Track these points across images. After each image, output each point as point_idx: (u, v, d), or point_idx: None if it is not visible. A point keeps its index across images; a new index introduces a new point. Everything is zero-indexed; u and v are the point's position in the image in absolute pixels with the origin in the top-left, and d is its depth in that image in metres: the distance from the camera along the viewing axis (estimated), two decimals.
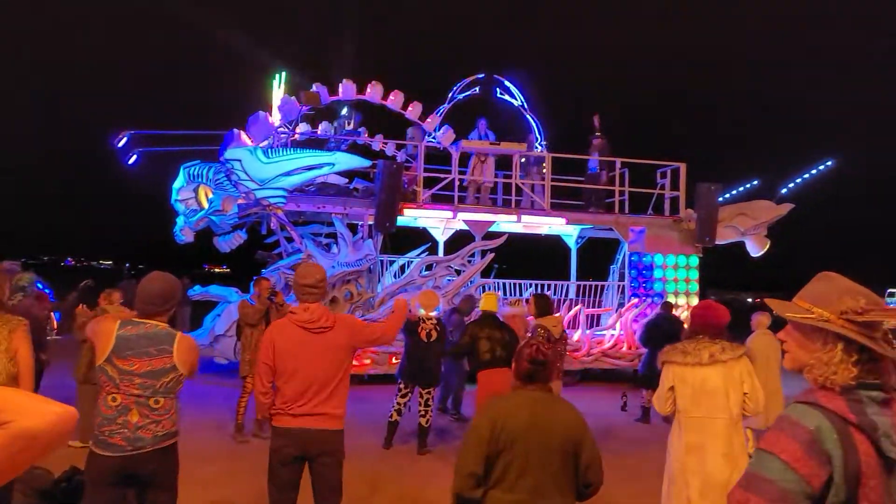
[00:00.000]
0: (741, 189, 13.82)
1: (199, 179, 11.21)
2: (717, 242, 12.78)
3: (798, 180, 13.86)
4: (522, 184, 12.68)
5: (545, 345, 3.07)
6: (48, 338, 8.31)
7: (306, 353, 3.66)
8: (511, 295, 12.68)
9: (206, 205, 11.22)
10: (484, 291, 11.74)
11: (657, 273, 12.81)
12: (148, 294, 3.37)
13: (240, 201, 11.09)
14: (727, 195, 13.52)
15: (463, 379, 9.13)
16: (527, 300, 9.17)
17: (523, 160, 12.81)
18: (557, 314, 7.38)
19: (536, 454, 2.82)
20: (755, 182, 13.96)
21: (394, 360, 10.70)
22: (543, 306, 6.80)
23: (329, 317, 3.75)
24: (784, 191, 13.69)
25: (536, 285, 12.99)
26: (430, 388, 7.34)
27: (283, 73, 12.60)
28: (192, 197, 11.30)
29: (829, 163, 14.18)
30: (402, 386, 7.39)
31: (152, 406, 3.27)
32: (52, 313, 8.66)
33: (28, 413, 1.14)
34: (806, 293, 1.81)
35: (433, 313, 7.38)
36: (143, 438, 3.25)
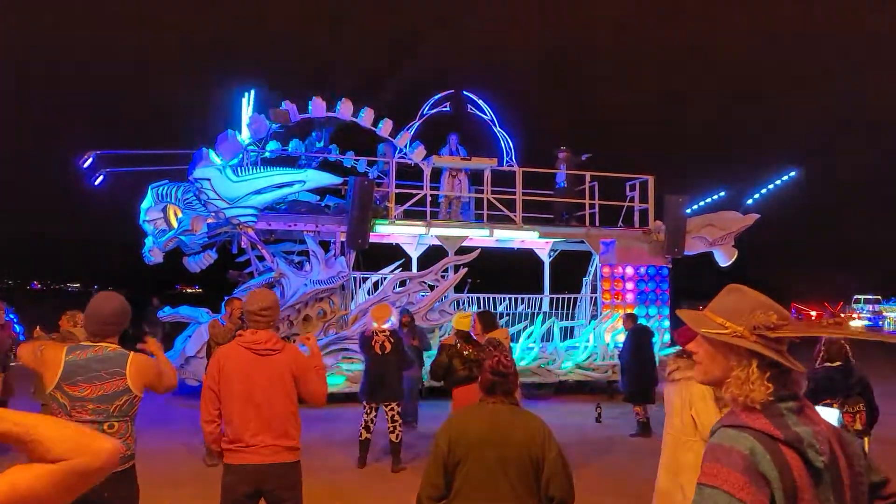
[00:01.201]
0: (708, 200, 14.05)
1: (168, 199, 11.09)
2: (686, 253, 12.95)
3: (763, 191, 14.13)
4: (495, 198, 12.75)
5: (507, 357, 3.08)
6: (11, 364, 8.13)
7: (253, 376, 3.48)
8: (485, 309, 12.69)
9: (175, 224, 11.10)
10: (458, 308, 11.80)
11: (628, 284, 12.94)
12: (99, 315, 3.28)
13: (209, 220, 10.99)
14: (695, 206, 13.74)
15: (415, 392, 9.24)
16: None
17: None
18: (503, 328, 7.41)
19: (493, 466, 2.81)
20: (722, 193, 14.21)
21: None
22: (489, 322, 6.88)
23: (277, 341, 3.60)
24: (750, 201, 13.95)
25: (510, 299, 13.03)
26: (392, 402, 7.28)
27: (253, 91, 12.55)
28: (161, 217, 11.17)
29: (792, 173, 14.49)
30: (365, 404, 7.36)
31: (106, 431, 3.15)
32: (17, 340, 8.47)
33: (85, 451, 1.18)
34: (718, 307, 1.79)
35: (385, 325, 7.35)
36: None
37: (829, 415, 4.95)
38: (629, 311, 11.47)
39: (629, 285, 12.95)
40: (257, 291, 3.80)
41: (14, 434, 1.14)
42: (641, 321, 11.16)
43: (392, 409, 7.27)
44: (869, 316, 37.99)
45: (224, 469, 3.57)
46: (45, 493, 1.14)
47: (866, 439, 5.29)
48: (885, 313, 38.53)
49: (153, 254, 11.32)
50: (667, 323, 13.07)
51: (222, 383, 3.50)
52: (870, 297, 40.80)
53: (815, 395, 5.00)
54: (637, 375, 9.42)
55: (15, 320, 9.55)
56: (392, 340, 7.31)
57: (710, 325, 1.76)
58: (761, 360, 1.67)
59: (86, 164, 11.54)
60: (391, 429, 7.28)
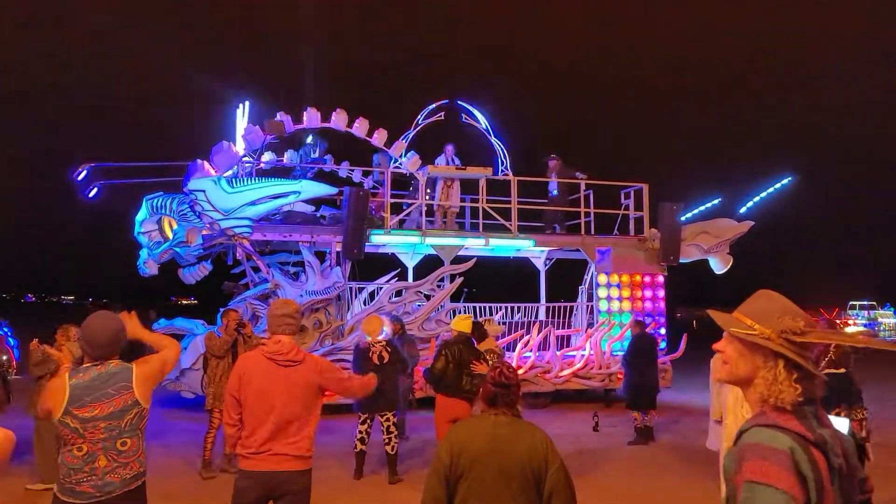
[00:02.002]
0: (703, 208, 14.08)
1: (163, 211, 11.07)
2: (681, 261, 12.96)
3: (757, 198, 14.16)
4: (490, 208, 12.75)
5: (509, 368, 3.07)
6: (9, 378, 8.09)
7: (273, 386, 3.62)
8: (482, 318, 12.67)
9: (170, 236, 11.07)
10: (455, 315, 11.77)
11: (625, 292, 12.94)
12: (96, 340, 3.28)
13: (204, 232, 10.97)
14: (689, 214, 13.76)
15: (404, 404, 9.23)
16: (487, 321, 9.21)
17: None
18: (490, 338, 7.43)
19: (495, 479, 2.79)
20: (716, 201, 14.24)
21: None
22: (479, 332, 6.95)
23: (299, 352, 3.73)
24: (744, 209, 13.98)
25: (506, 308, 13.02)
26: (387, 413, 7.24)
27: (247, 103, 12.57)
28: (156, 229, 11.14)
29: (787, 180, 14.52)
30: (360, 415, 7.33)
31: (119, 448, 3.17)
32: (11, 353, 8.43)
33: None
34: (747, 309, 1.87)
35: (380, 337, 7.34)
36: (112, 483, 3.15)
37: (840, 424, 4.95)
38: (639, 318, 11.46)
39: (625, 293, 12.95)
40: (282, 299, 4.18)
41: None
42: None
43: (388, 420, 7.24)
44: (864, 322, 38.07)
45: (238, 473, 3.71)
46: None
47: (868, 446, 5.29)
48: (880, 319, 38.62)
49: (148, 266, 11.29)
50: (663, 330, 13.07)
51: (241, 391, 3.66)
52: (865, 303, 40.91)
53: (827, 402, 4.99)
54: (638, 382, 9.43)
55: (9, 333, 9.51)
56: (389, 349, 7.30)
57: (740, 325, 1.85)
58: (786, 362, 1.76)
59: (80, 177, 11.52)
60: (387, 440, 7.24)
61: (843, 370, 5.17)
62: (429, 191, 12.69)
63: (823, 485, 1.65)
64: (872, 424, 5.28)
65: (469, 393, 6.37)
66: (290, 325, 3.78)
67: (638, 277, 13.02)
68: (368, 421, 7.33)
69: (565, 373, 12.16)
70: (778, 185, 14.29)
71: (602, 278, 12.93)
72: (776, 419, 1.72)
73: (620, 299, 12.89)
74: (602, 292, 12.89)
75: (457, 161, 12.76)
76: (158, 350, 3.53)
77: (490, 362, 6.60)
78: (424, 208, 12.48)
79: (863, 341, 1.81)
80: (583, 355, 12.41)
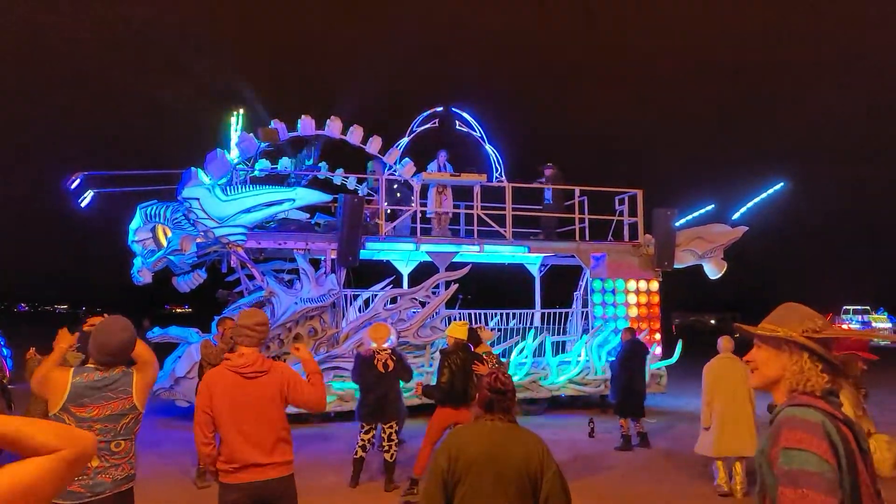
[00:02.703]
0: (697, 214, 14.11)
1: (157, 219, 11.04)
2: (675, 266, 12.99)
3: (751, 203, 14.20)
4: (484, 214, 12.77)
5: (505, 374, 3.08)
6: (8, 386, 8.04)
7: (244, 399, 3.59)
8: (477, 324, 12.67)
9: (164, 244, 11.05)
10: (450, 322, 11.76)
11: (619, 298, 12.96)
12: (109, 347, 3.31)
13: (199, 240, 10.95)
14: (684, 220, 13.80)
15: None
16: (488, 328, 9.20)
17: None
18: (485, 343, 7.43)
19: (492, 484, 2.81)
20: (710, 206, 14.27)
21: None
22: (474, 338, 6.95)
23: (264, 362, 3.69)
24: (738, 214, 14.01)
25: (501, 314, 13.02)
26: (391, 421, 7.21)
27: (242, 110, 12.57)
28: (150, 237, 11.11)
29: (780, 185, 14.57)
30: (363, 424, 7.27)
31: (113, 450, 3.23)
32: (4, 363, 8.38)
33: (72, 441, 1.31)
34: (771, 318, 2.06)
35: (385, 345, 7.30)
36: (103, 483, 3.20)
37: None
38: (628, 325, 11.47)
39: (620, 299, 12.96)
40: (249, 309, 3.96)
41: (5, 434, 1.25)
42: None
43: (391, 428, 7.21)
44: (859, 327, 38.19)
45: (220, 488, 3.65)
46: (42, 483, 1.26)
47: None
48: (874, 323, 38.74)
49: (142, 274, 11.25)
50: (658, 336, 13.09)
51: (214, 408, 3.59)
52: (859, 307, 41.03)
53: None
54: (625, 388, 9.42)
55: (2, 343, 9.45)
56: (394, 358, 7.26)
57: (764, 330, 2.04)
58: (811, 354, 1.94)
59: (73, 186, 11.49)
60: (386, 448, 7.21)
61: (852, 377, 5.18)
62: (422, 200, 12.70)
63: (855, 459, 1.80)
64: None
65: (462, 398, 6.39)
66: (251, 337, 3.68)
67: (633, 283, 13.04)
68: (371, 431, 7.29)
69: (562, 379, 12.16)
70: (771, 191, 14.34)
71: (597, 284, 12.95)
72: (807, 400, 1.89)
73: (615, 305, 12.91)
74: (597, 298, 12.91)
75: (449, 167, 12.78)
76: (141, 358, 3.50)
77: (489, 363, 6.61)
78: (419, 215, 12.49)
79: (881, 335, 1.97)
80: (578, 361, 12.42)
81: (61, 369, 3.34)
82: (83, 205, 11.64)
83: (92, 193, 11.65)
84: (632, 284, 13.03)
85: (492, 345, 11.38)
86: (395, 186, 12.77)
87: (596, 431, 10.18)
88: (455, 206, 13.11)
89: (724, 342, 7.38)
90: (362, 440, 7.26)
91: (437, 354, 8.16)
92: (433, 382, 7.16)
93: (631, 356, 9.57)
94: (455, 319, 12.32)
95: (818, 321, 1.97)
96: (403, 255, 13.38)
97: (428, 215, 12.71)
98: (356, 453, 7.30)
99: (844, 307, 41.25)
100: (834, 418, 1.84)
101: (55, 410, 3.19)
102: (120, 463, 3.24)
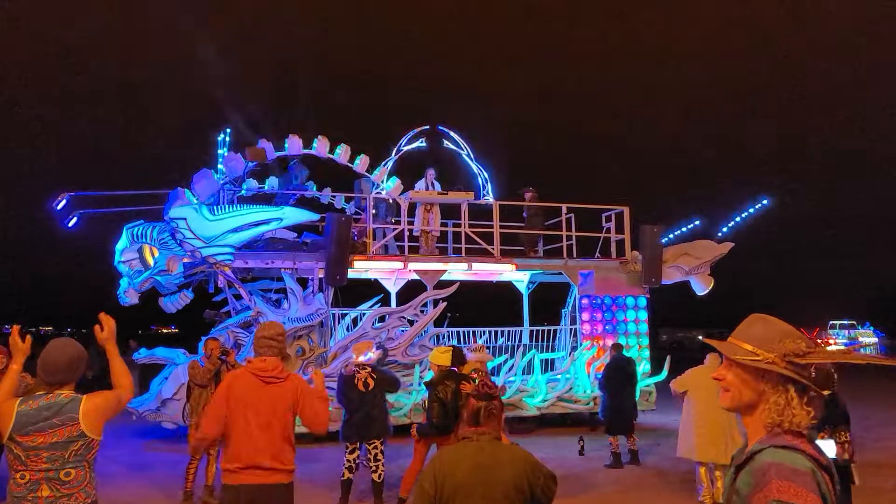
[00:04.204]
0: (684, 230, 14.21)
1: (143, 239, 10.98)
2: (663, 282, 13.04)
3: (736, 219, 14.32)
4: (472, 232, 12.80)
5: (489, 379, 3.07)
6: None
7: (257, 401, 3.74)
8: (465, 343, 12.66)
9: (151, 264, 10.98)
10: (437, 343, 11.73)
11: (607, 315, 12.99)
12: (52, 365, 3.26)
13: (185, 260, 10.90)
14: (671, 236, 13.89)
15: None
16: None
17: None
18: (471, 361, 7.40)
19: None
20: (696, 222, 14.38)
21: None
22: (459, 357, 6.91)
23: (283, 370, 3.87)
24: (724, 230, 14.12)
25: (490, 332, 13.01)
26: (376, 440, 7.13)
27: (229, 130, 12.58)
28: (136, 258, 11.04)
29: (764, 201, 14.71)
30: (347, 444, 7.20)
31: (62, 479, 3.14)
32: None
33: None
34: (746, 335, 1.86)
35: (362, 358, 7.25)
36: None
37: (827, 447, 4.98)
38: (617, 341, 11.49)
39: (608, 316, 12.99)
40: (267, 322, 4.11)
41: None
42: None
43: (376, 448, 7.14)
44: (845, 342, 38.43)
45: (223, 489, 3.81)
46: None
47: (853, 468, 5.30)
48: (860, 338, 39.01)
49: (128, 295, 11.16)
50: (646, 353, 13.11)
51: (230, 405, 3.75)
52: (845, 322, 41.32)
53: (821, 423, 5.01)
54: (613, 406, 9.40)
55: None
56: (374, 376, 7.21)
57: (741, 352, 1.83)
58: (796, 386, 1.76)
59: (59, 206, 11.42)
60: (373, 468, 7.14)
61: (827, 392, 5.20)
62: (409, 218, 12.71)
63: None
64: (855, 445, 5.30)
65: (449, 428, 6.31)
66: (272, 347, 3.88)
67: (621, 300, 13.08)
68: (356, 451, 7.22)
69: (550, 396, 12.13)
70: (756, 207, 14.47)
71: (585, 301, 12.98)
72: (792, 441, 1.72)
73: (604, 322, 12.94)
74: (585, 315, 12.93)
75: (437, 185, 12.81)
76: (116, 380, 3.48)
77: (476, 381, 6.56)
78: (407, 233, 12.50)
79: (863, 358, 1.81)
80: (567, 378, 12.41)
81: (10, 400, 3.26)
82: (69, 225, 11.56)
83: (78, 214, 11.57)
84: (619, 301, 13.07)
85: (492, 369, 11.36)
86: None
87: (586, 449, 10.15)
88: (443, 224, 13.13)
89: (712, 359, 7.44)
90: (348, 461, 7.18)
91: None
92: (423, 408, 7.09)
93: (619, 373, 9.55)
94: (443, 338, 12.33)
95: (801, 343, 1.77)
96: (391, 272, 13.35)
97: (415, 233, 12.71)
98: (343, 475, 7.23)
99: (831, 322, 41.55)
100: (819, 465, 1.70)
101: (4, 440, 3.15)
102: (73, 492, 3.15)
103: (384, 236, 12.67)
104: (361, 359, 7.24)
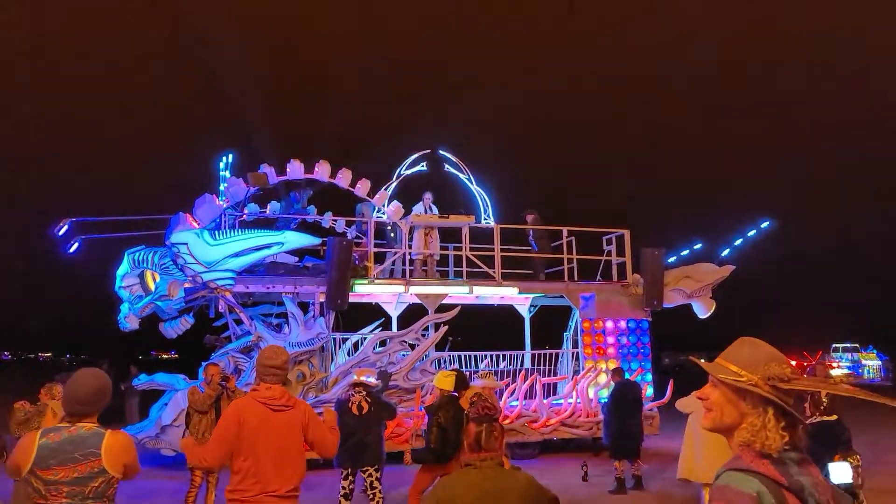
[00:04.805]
0: (685, 252, 14.20)
1: (144, 265, 10.98)
2: (664, 306, 13.01)
3: (737, 242, 14.32)
4: (473, 255, 12.79)
5: (489, 401, 3.03)
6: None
7: (268, 430, 3.72)
8: (467, 367, 12.59)
9: (152, 289, 10.96)
10: (440, 367, 11.67)
11: (609, 338, 12.92)
12: (78, 395, 3.21)
13: (186, 285, 10.88)
14: (672, 259, 13.87)
15: None
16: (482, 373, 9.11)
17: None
18: (473, 385, 7.34)
19: None
20: (698, 245, 14.38)
21: None
22: (462, 382, 6.85)
23: (290, 398, 3.87)
24: (725, 252, 14.11)
25: (491, 356, 12.94)
26: (370, 468, 7.01)
27: (230, 155, 12.64)
28: (137, 283, 11.03)
29: (766, 223, 14.72)
30: (342, 469, 7.09)
31: None
32: None
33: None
34: (733, 357, 1.89)
35: (364, 378, 7.20)
36: None
37: (841, 470, 4.92)
38: (613, 366, 11.43)
39: (610, 339, 12.93)
40: (273, 347, 4.06)
41: None
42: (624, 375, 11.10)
43: (371, 476, 7.04)
44: (848, 365, 38.20)
45: None
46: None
47: (860, 492, 5.25)
48: (863, 361, 38.76)
49: (129, 320, 11.13)
50: (649, 377, 13.03)
51: (240, 434, 3.71)
52: (848, 345, 41.07)
53: (825, 449, 4.95)
54: (618, 430, 9.32)
55: None
56: (369, 400, 7.11)
57: (726, 372, 1.86)
58: (776, 409, 1.78)
59: (60, 232, 11.43)
60: (371, 496, 7.04)
61: (835, 417, 5.17)
62: (409, 241, 12.72)
63: None
64: (862, 469, 5.24)
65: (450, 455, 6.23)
66: (279, 376, 3.89)
67: (623, 323, 13.03)
68: (351, 476, 7.12)
69: (552, 421, 12.03)
70: (758, 230, 14.48)
71: (587, 325, 12.93)
72: (750, 463, 1.74)
73: (605, 345, 12.87)
74: (587, 339, 12.87)
75: (434, 209, 12.83)
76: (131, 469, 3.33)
77: (474, 402, 6.48)
78: (409, 257, 12.49)
79: (847, 391, 1.81)
80: (570, 403, 12.31)
81: (31, 433, 3.22)
82: (71, 251, 11.56)
83: (79, 240, 11.58)
84: (622, 324, 13.02)
85: (500, 394, 11.26)
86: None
87: (590, 475, 10.04)
88: (443, 248, 13.13)
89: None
90: (344, 488, 7.08)
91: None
92: (423, 434, 7.00)
93: (621, 398, 9.49)
94: (445, 362, 12.26)
95: (786, 368, 1.80)
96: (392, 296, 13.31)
97: (413, 257, 12.67)
98: (339, 503, 7.14)
99: (834, 345, 41.30)
100: (777, 486, 1.70)
101: (24, 474, 3.09)
102: None
103: (385, 260, 12.64)
104: (363, 379, 7.19)
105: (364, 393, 7.09)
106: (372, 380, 7.37)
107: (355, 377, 7.23)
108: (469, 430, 2.96)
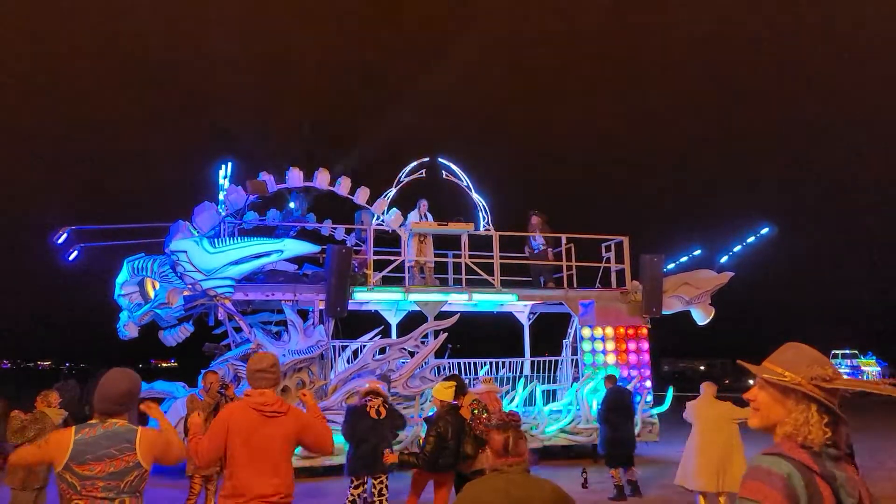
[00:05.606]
0: (684, 259, 14.21)
1: (144, 273, 10.99)
2: (663, 312, 13.01)
3: (737, 248, 14.33)
4: (472, 263, 12.80)
5: (497, 409, 3.02)
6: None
7: (260, 435, 3.70)
8: (467, 374, 12.58)
9: (151, 298, 10.97)
10: (439, 375, 11.65)
11: (609, 345, 12.92)
12: (111, 394, 3.27)
13: (186, 293, 10.88)
14: (671, 265, 13.88)
15: None
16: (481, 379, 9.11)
17: (424, 241, 12.89)
18: (471, 391, 7.30)
19: None
20: (697, 252, 14.39)
21: None
22: (463, 387, 6.79)
23: (283, 403, 3.83)
24: (723, 259, 14.12)
25: (491, 363, 12.94)
26: (381, 475, 7.02)
27: (230, 163, 12.66)
28: (136, 291, 11.04)
29: (765, 230, 14.73)
30: (353, 479, 7.07)
31: None
32: None
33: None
34: (777, 359, 2.00)
35: (379, 387, 7.26)
36: None
37: None
38: (610, 373, 11.43)
39: (609, 346, 12.92)
40: (261, 353, 4.04)
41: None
42: (623, 382, 11.10)
43: (381, 482, 7.03)
44: (848, 371, 38.17)
45: None
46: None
47: None
48: (863, 367, 38.74)
49: (128, 328, 11.14)
50: (648, 383, 13.02)
51: (230, 440, 3.70)
52: (847, 351, 41.03)
53: None
54: (611, 439, 9.32)
55: None
56: (386, 406, 7.14)
57: (771, 373, 1.97)
58: (819, 406, 1.88)
59: (60, 241, 11.44)
60: (378, 502, 7.04)
61: None
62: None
63: None
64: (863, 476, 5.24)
65: (471, 458, 6.15)
66: (268, 379, 3.85)
67: (622, 330, 13.03)
68: (362, 485, 7.10)
69: (552, 428, 12.01)
70: (757, 236, 14.49)
71: (586, 331, 12.93)
72: (786, 450, 1.84)
73: (605, 352, 12.87)
74: (586, 346, 12.87)
75: (429, 217, 12.85)
76: (174, 453, 3.48)
77: (476, 411, 6.40)
78: (408, 265, 12.50)
79: (888, 391, 1.87)
80: (569, 410, 12.30)
81: (63, 429, 3.27)
82: (70, 260, 11.57)
83: (79, 248, 11.59)
84: (621, 331, 13.02)
85: (503, 399, 11.21)
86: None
87: (589, 482, 10.02)
88: (443, 255, 13.14)
89: (707, 387, 7.64)
90: (352, 495, 7.05)
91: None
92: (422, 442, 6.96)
93: (614, 405, 9.49)
94: (444, 370, 12.24)
95: (828, 368, 1.89)
96: (391, 304, 13.33)
97: (408, 264, 12.66)
98: None
99: (833, 351, 41.28)
100: (809, 471, 1.79)
101: (58, 469, 3.13)
102: None
103: (384, 267, 12.65)
104: (378, 387, 7.25)
105: (381, 399, 7.13)
106: (385, 389, 7.43)
107: (368, 385, 7.25)
108: (493, 437, 2.93)
